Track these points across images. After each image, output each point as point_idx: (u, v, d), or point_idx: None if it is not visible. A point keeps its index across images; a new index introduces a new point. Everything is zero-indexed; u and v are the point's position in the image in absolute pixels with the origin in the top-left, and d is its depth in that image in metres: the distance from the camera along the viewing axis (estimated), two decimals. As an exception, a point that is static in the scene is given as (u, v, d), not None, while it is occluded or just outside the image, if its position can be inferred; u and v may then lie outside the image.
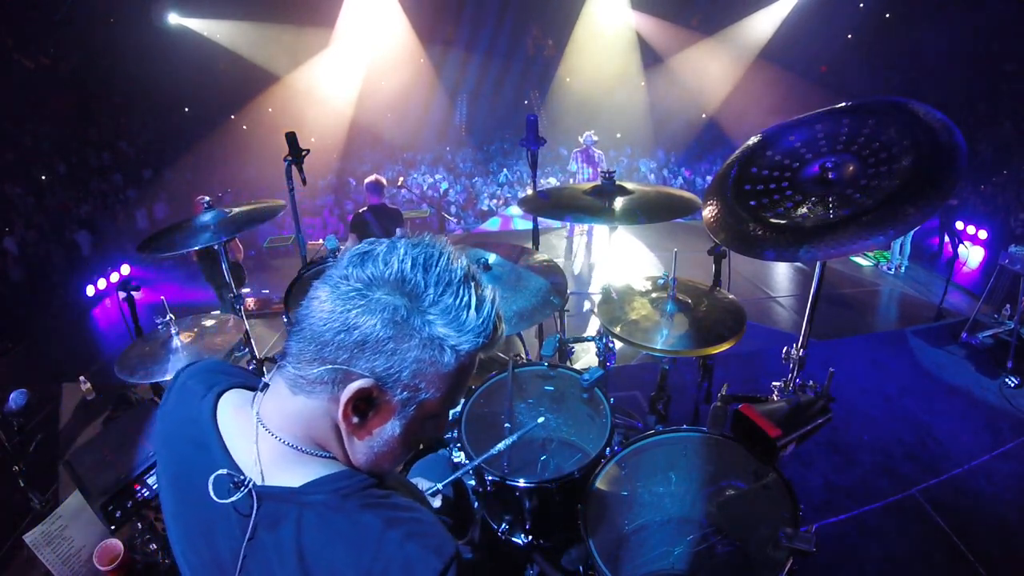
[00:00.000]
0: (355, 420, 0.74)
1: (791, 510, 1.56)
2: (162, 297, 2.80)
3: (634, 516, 1.90)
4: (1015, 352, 4.21)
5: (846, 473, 3.23)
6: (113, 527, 2.15)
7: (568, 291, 2.44)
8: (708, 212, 1.66)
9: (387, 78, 15.13)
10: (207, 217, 2.77)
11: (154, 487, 2.22)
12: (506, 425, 1.96)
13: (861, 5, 13.41)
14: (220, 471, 0.75)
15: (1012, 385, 3.99)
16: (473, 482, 1.98)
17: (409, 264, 0.70)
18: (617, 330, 2.18)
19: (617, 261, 7.65)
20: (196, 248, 3.24)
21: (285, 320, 2.50)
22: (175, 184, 11.83)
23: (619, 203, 2.40)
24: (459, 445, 1.96)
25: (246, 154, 12.50)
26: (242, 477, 0.75)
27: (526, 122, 2.87)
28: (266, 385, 0.82)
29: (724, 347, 2.05)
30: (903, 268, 7.36)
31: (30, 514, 2.97)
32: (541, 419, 2.00)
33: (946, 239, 7.89)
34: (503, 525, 1.98)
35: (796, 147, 1.63)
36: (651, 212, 2.41)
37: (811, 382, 1.65)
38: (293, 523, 0.72)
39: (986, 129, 10.94)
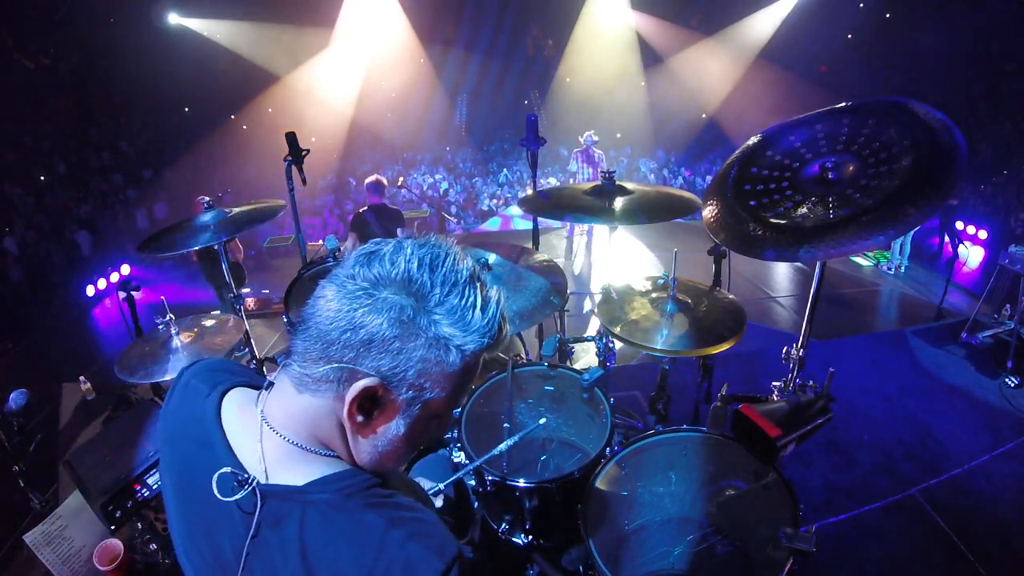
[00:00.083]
0: (360, 419, 0.74)
1: (791, 510, 1.56)
2: (162, 297, 2.80)
3: (634, 516, 1.90)
4: (1015, 352, 4.21)
5: (846, 473, 3.23)
6: (113, 527, 2.15)
7: (568, 291, 2.44)
8: (708, 212, 1.66)
9: (387, 78, 15.14)
10: (207, 217, 2.77)
11: (154, 487, 2.22)
12: (505, 425, 1.96)
13: (861, 5, 13.42)
14: (224, 469, 0.75)
15: (1012, 385, 3.99)
16: (473, 482, 1.98)
17: (416, 264, 0.71)
18: (617, 330, 2.18)
19: (617, 261, 7.65)
20: (196, 248, 3.25)
21: (285, 320, 2.50)
22: (175, 184, 11.83)
23: (619, 203, 2.40)
24: (459, 445, 1.96)
25: (246, 154, 12.50)
26: (246, 475, 0.75)
27: (526, 122, 2.87)
28: (271, 384, 0.82)
29: (724, 347, 2.05)
30: (903, 268, 7.36)
31: (30, 514, 2.97)
32: (543, 420, 2.00)
33: (946, 239, 7.89)
34: (503, 525, 1.98)
35: (796, 147, 1.63)
36: (651, 212, 2.41)
37: (811, 382, 1.65)
38: (296, 521, 0.72)
39: (986, 129, 10.94)
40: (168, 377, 2.48)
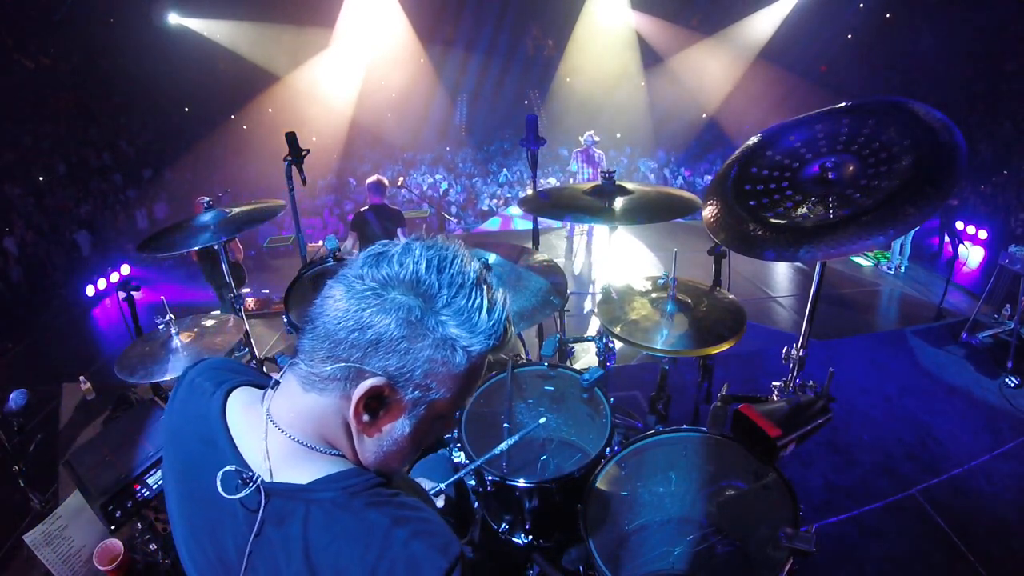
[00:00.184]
0: (366, 418, 0.74)
1: (791, 510, 1.56)
2: (162, 297, 2.80)
3: (634, 516, 1.90)
4: (1015, 352, 4.21)
5: (846, 473, 3.23)
6: (113, 527, 2.15)
7: (568, 291, 2.44)
8: (708, 212, 1.66)
9: (387, 78, 15.14)
10: (207, 217, 2.77)
11: (154, 487, 2.22)
12: (505, 425, 1.96)
13: (861, 5, 13.42)
14: (228, 467, 0.75)
15: (1012, 385, 3.99)
16: (473, 482, 1.98)
17: (424, 266, 0.72)
18: (617, 330, 2.17)
19: (617, 261, 7.65)
20: (196, 248, 3.25)
21: (285, 320, 2.50)
22: (175, 184, 11.84)
23: (619, 203, 2.40)
24: (459, 445, 1.96)
25: (246, 154, 12.50)
26: (250, 473, 0.75)
27: (526, 122, 2.87)
28: (277, 382, 0.83)
29: (724, 347, 2.05)
30: (903, 268, 7.36)
31: (30, 514, 2.97)
32: (543, 419, 2.00)
33: (946, 239, 7.89)
34: (503, 525, 1.99)
35: (796, 147, 1.63)
36: (651, 212, 2.41)
37: (811, 382, 1.65)
38: (300, 520, 0.72)
39: (986, 129, 10.95)
40: (168, 377, 2.48)
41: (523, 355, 2.88)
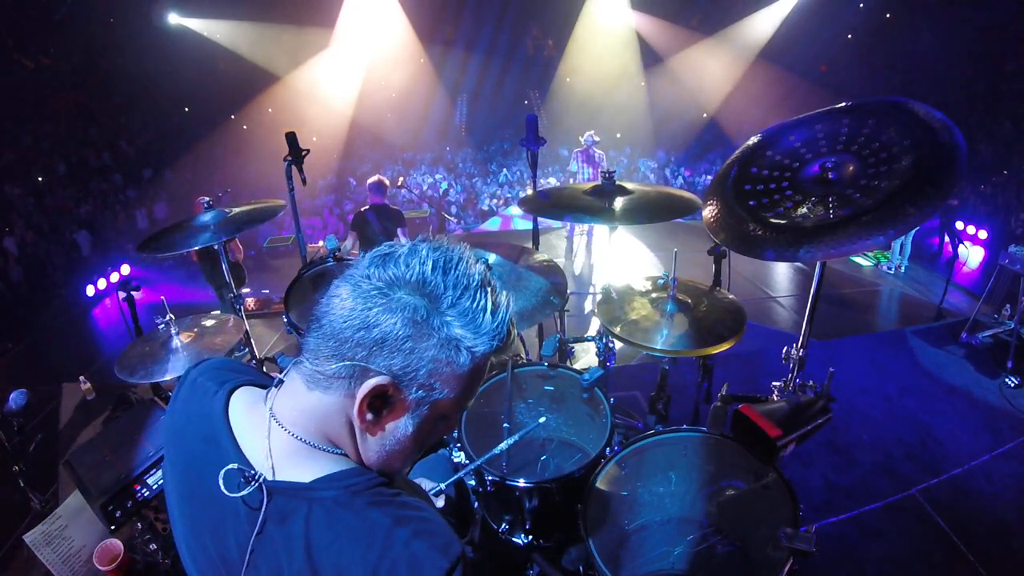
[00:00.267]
0: (369, 417, 0.75)
1: (791, 510, 1.56)
2: (162, 297, 2.80)
3: (634, 516, 1.90)
4: (1015, 352, 4.21)
5: (846, 473, 3.23)
6: (113, 527, 2.15)
7: (568, 291, 2.44)
8: (708, 212, 1.66)
9: (387, 78, 15.14)
10: (207, 217, 2.77)
11: (154, 487, 2.22)
12: (505, 425, 1.96)
13: (861, 5, 13.42)
14: (231, 465, 0.76)
15: (1012, 385, 3.99)
16: (473, 482, 1.98)
17: (430, 267, 0.73)
18: (617, 330, 2.17)
19: (617, 261, 7.65)
20: (196, 248, 3.25)
21: (285, 320, 2.50)
22: (175, 184, 11.84)
23: (619, 203, 2.40)
24: (459, 445, 1.96)
25: (246, 154, 12.50)
26: (253, 472, 0.76)
27: (526, 122, 2.87)
28: (281, 381, 0.83)
29: (724, 347, 2.05)
30: (903, 268, 7.36)
31: (30, 514, 2.97)
32: (542, 419, 2.00)
33: (946, 239, 7.88)
34: (503, 525, 1.99)
35: (796, 147, 1.63)
36: (651, 212, 2.41)
37: (811, 382, 1.65)
38: (302, 518, 0.73)
39: (986, 129, 10.95)
40: (168, 377, 2.48)
41: (523, 355, 2.88)
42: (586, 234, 8.25)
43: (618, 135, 14.71)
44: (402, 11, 13.98)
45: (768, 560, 1.55)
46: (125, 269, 7.97)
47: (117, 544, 2.22)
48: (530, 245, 2.90)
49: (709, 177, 12.42)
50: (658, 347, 2.08)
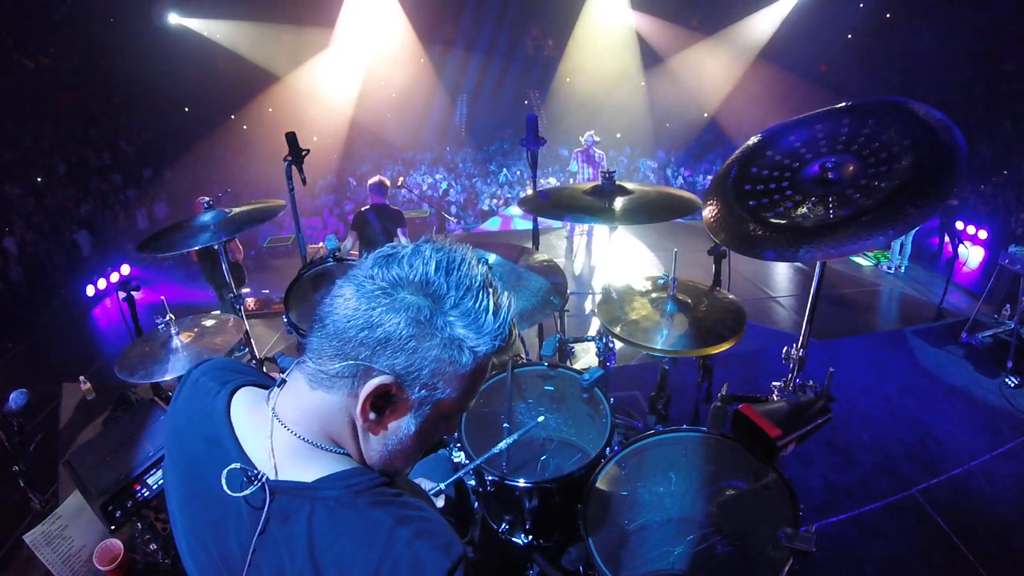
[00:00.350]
0: (372, 416, 0.75)
1: (791, 510, 1.56)
2: (162, 297, 2.80)
3: (634, 516, 1.90)
4: (1015, 352, 4.21)
5: (846, 473, 3.23)
6: (113, 527, 2.15)
7: (568, 291, 2.44)
8: (708, 212, 1.66)
9: (387, 78, 15.13)
10: (207, 217, 2.77)
11: (154, 487, 2.22)
12: (505, 425, 1.96)
13: (861, 5, 13.41)
14: (234, 465, 0.76)
15: (1012, 385, 3.99)
16: (473, 482, 1.98)
17: (433, 267, 0.73)
18: (617, 330, 2.17)
19: (617, 261, 7.65)
20: (196, 248, 3.25)
21: (285, 320, 2.50)
22: (175, 184, 11.83)
23: (619, 203, 2.40)
24: (459, 445, 1.96)
25: (246, 154, 12.49)
26: (255, 471, 0.76)
27: (526, 122, 2.87)
28: (283, 381, 0.84)
29: (724, 347, 2.05)
30: (903, 268, 7.36)
31: (30, 514, 2.97)
32: (541, 418, 2.00)
33: (946, 239, 7.88)
34: (503, 525, 1.99)
35: (796, 147, 1.63)
36: (651, 212, 2.41)
37: (811, 382, 1.65)
38: (305, 518, 0.73)
39: (986, 129, 10.94)
40: (168, 377, 2.48)
41: (523, 355, 2.88)
42: (586, 234, 8.26)
43: (618, 135, 14.71)
44: (402, 11, 13.97)
45: (768, 560, 1.55)
46: (125, 269, 7.97)
47: (117, 544, 2.22)
48: (530, 245, 2.90)
49: (709, 177, 12.42)
50: (658, 347, 2.08)
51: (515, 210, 11.40)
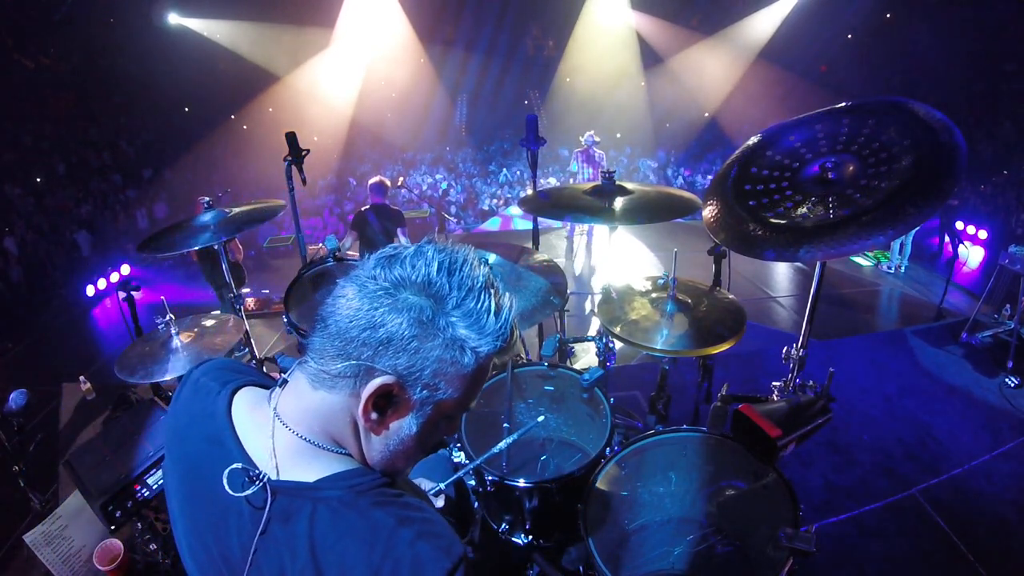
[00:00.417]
0: (374, 416, 0.76)
1: (791, 510, 1.56)
2: (162, 297, 2.80)
3: (634, 516, 1.90)
4: (1015, 352, 4.21)
5: (846, 473, 3.23)
6: (113, 527, 2.15)
7: (568, 291, 2.44)
8: (708, 212, 1.66)
9: (387, 78, 15.14)
10: (207, 217, 2.77)
11: (154, 487, 2.22)
12: (505, 425, 1.96)
13: (861, 5, 13.40)
14: (235, 465, 0.76)
15: (1012, 385, 3.99)
16: (473, 482, 1.98)
17: (435, 268, 0.73)
18: (617, 330, 2.17)
19: (617, 261, 7.65)
20: (196, 248, 3.25)
21: (285, 320, 2.50)
22: (175, 184, 11.83)
23: (619, 203, 2.40)
24: (459, 445, 1.96)
25: (246, 154, 12.50)
26: (257, 471, 0.76)
27: (526, 122, 2.87)
28: (285, 381, 0.84)
29: (724, 347, 2.05)
30: (903, 268, 7.36)
31: (30, 514, 2.96)
32: (541, 418, 2.00)
33: (946, 239, 7.88)
34: (503, 525, 1.99)
35: (796, 147, 1.63)
36: (651, 212, 2.41)
37: (811, 382, 1.65)
38: (306, 518, 0.73)
39: (986, 129, 10.94)
40: (168, 377, 2.48)
41: (523, 355, 2.88)
42: (586, 234, 8.26)
43: (618, 135, 14.71)
44: (402, 11, 13.97)
45: (768, 560, 1.55)
46: (125, 269, 7.97)
47: (117, 544, 2.22)
48: (530, 245, 2.90)
49: (709, 177, 12.42)
50: (658, 347, 2.08)
51: (515, 210, 11.40)
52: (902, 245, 7.32)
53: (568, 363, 2.59)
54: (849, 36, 13.92)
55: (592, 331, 2.64)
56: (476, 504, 2.05)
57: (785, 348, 1.89)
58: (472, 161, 14.76)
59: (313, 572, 0.70)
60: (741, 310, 2.21)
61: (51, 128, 11.63)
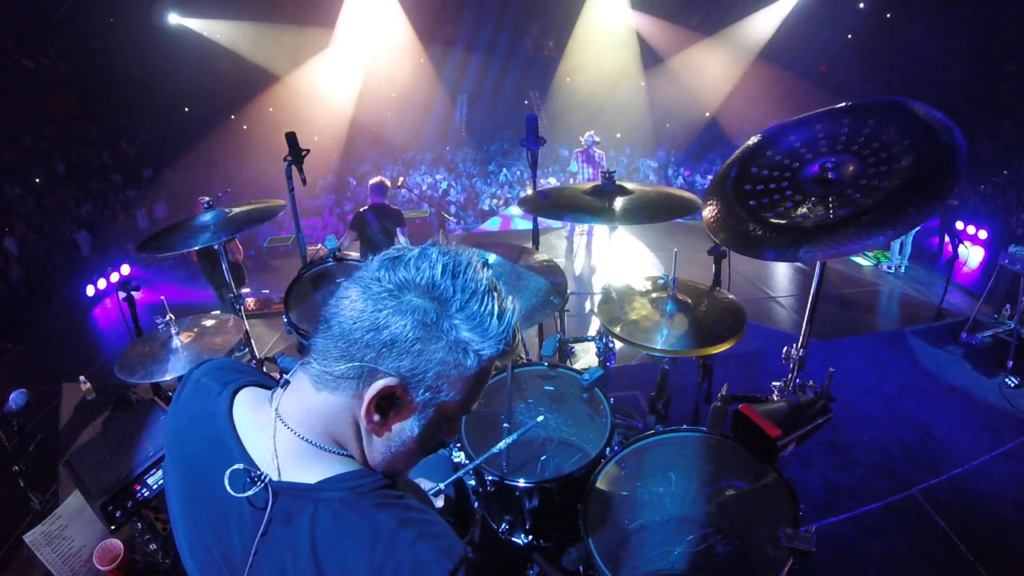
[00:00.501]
0: (376, 418, 0.76)
1: (791, 510, 1.56)
2: (162, 297, 2.80)
3: (634, 516, 1.90)
4: (1015, 352, 4.21)
5: (846, 473, 3.23)
6: (113, 527, 2.15)
7: (568, 291, 2.44)
8: (708, 212, 1.66)
9: (387, 78, 15.13)
10: (207, 217, 2.77)
11: (154, 487, 2.22)
12: (505, 425, 1.96)
13: (861, 5, 13.41)
14: (237, 466, 0.76)
15: (1012, 385, 3.99)
16: (473, 482, 1.98)
17: (439, 270, 0.74)
18: (617, 330, 2.17)
19: (617, 261, 7.65)
20: (196, 248, 3.25)
21: (285, 320, 2.50)
22: (175, 184, 11.83)
23: (619, 203, 2.40)
24: (459, 445, 1.96)
25: (246, 154, 12.49)
26: (259, 472, 0.76)
27: (526, 122, 2.87)
28: (287, 382, 0.84)
29: (724, 347, 2.05)
30: (903, 268, 7.36)
31: (30, 514, 2.96)
32: (541, 418, 2.00)
33: (946, 239, 7.88)
34: (503, 525, 1.99)
35: (796, 147, 1.63)
36: (651, 212, 2.41)
37: (811, 382, 1.65)
38: (308, 519, 0.73)
39: (986, 129, 10.94)
40: (168, 377, 2.48)
41: (523, 355, 2.88)
42: (586, 234, 8.26)
43: (618, 135, 14.70)
44: (402, 11, 13.97)
45: (768, 560, 1.55)
46: (125, 269, 7.97)
47: (117, 544, 2.22)
48: (530, 245, 2.90)
49: (709, 177, 12.41)
50: (658, 347, 2.08)
51: (515, 210, 11.39)
52: (902, 245, 7.32)
53: (568, 363, 2.59)
54: (849, 36, 13.92)
55: (592, 331, 2.64)
56: (476, 504, 2.05)
57: (785, 348, 1.89)
58: (472, 161, 14.76)
59: (314, 573, 0.70)
60: (741, 310, 2.21)
61: (51, 128, 11.64)
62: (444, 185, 13.08)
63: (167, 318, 2.67)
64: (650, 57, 14.96)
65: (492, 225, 11.35)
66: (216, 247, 2.80)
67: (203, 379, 0.91)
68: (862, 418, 3.68)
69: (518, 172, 13.58)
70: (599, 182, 2.54)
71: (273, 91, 13.97)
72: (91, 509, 2.20)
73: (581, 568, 1.87)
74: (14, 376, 5.53)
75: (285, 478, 0.77)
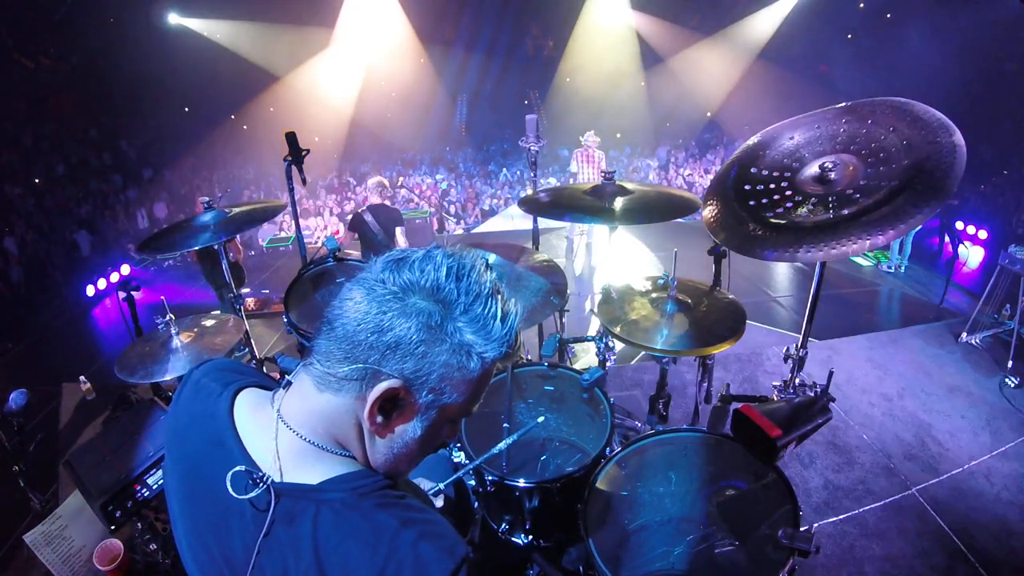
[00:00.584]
0: (379, 419, 0.76)
1: (791, 510, 1.56)
2: (162, 297, 2.80)
3: (634, 516, 1.90)
4: (1015, 352, 4.21)
5: (846, 473, 3.23)
6: (113, 527, 2.15)
7: (568, 291, 2.44)
8: (708, 212, 1.67)
9: (387, 78, 15.13)
10: (207, 217, 2.78)
11: (154, 487, 2.22)
12: (505, 425, 1.96)
13: (861, 5, 13.41)
14: (238, 467, 0.76)
15: (1012, 385, 3.99)
16: (473, 482, 1.98)
17: (444, 273, 0.74)
18: (617, 330, 2.18)
19: (617, 261, 7.65)
20: (196, 248, 3.25)
21: (285, 320, 2.50)
22: (175, 184, 11.84)
23: (619, 203, 2.40)
24: (459, 445, 1.96)
25: (246, 154, 12.50)
26: (261, 473, 0.76)
27: (526, 122, 2.87)
28: (289, 383, 0.84)
29: (724, 347, 2.05)
30: (903, 268, 7.36)
31: (30, 514, 2.96)
32: (541, 418, 2.00)
33: (946, 239, 7.88)
34: (503, 525, 1.99)
35: (796, 147, 1.63)
36: (651, 212, 2.41)
37: (811, 382, 1.65)
38: (310, 520, 0.73)
39: (986, 129, 10.94)
40: (168, 377, 2.48)
41: (523, 355, 2.88)
42: (586, 234, 8.26)
43: (618, 135, 14.72)
44: (402, 11, 13.96)
45: (768, 560, 1.55)
46: (125, 269, 7.97)
47: (117, 544, 2.22)
48: (530, 245, 2.90)
49: (709, 177, 12.42)
50: (658, 347, 2.08)
51: (515, 210, 11.39)
52: (902, 245, 7.32)
53: (568, 363, 2.59)
54: (849, 36, 13.92)
55: (592, 331, 2.64)
56: (476, 504, 2.05)
57: (785, 348, 1.90)
58: (472, 161, 14.77)
59: (317, 574, 0.70)
60: (741, 310, 2.21)
61: (51, 128, 11.63)
62: (444, 185, 13.08)
63: (167, 318, 2.67)
64: (650, 57, 14.95)
65: (492, 225, 11.34)
66: (216, 247, 2.80)
67: (203, 380, 0.91)
68: (862, 418, 3.68)
69: (518, 172, 13.59)
70: (599, 182, 2.54)
71: (273, 91, 13.96)
72: (91, 509, 2.20)
73: (581, 568, 1.87)
74: (14, 376, 5.53)
75: (287, 479, 0.77)
